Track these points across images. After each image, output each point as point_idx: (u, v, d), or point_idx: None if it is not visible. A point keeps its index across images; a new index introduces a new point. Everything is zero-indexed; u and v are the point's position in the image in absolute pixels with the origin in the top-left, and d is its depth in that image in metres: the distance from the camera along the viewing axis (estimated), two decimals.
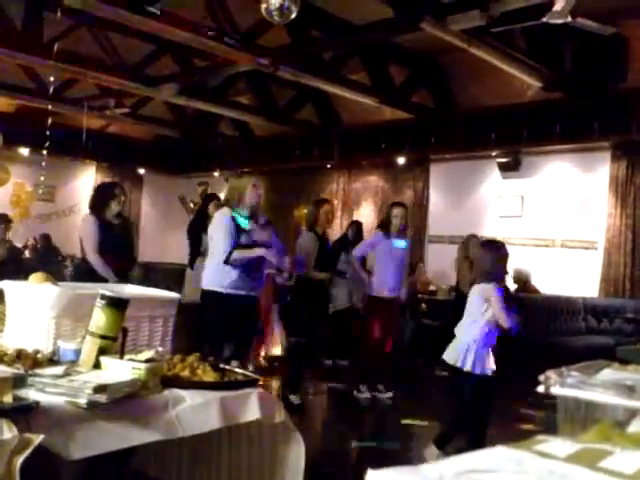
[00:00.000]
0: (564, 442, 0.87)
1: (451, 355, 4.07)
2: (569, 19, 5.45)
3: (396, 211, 6.07)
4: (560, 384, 1.15)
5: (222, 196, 5.77)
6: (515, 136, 8.79)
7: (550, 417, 1.26)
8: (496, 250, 4.17)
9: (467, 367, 3.97)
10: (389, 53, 8.82)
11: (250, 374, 2.45)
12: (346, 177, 11.84)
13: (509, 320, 3.95)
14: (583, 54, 7.69)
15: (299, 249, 5.76)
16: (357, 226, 8.07)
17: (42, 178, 11.44)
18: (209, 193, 7.44)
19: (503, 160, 9.46)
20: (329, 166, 11.78)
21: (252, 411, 2.29)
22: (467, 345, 4.00)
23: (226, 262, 4.41)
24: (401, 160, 10.59)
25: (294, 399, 5.53)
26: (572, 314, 8.09)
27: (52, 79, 9.26)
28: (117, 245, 5.17)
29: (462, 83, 9.42)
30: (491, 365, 4.05)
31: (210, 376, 2.31)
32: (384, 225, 6.12)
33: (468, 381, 4.03)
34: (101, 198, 5.29)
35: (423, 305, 8.89)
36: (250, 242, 4.51)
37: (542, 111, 8.57)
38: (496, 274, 4.08)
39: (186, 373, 2.31)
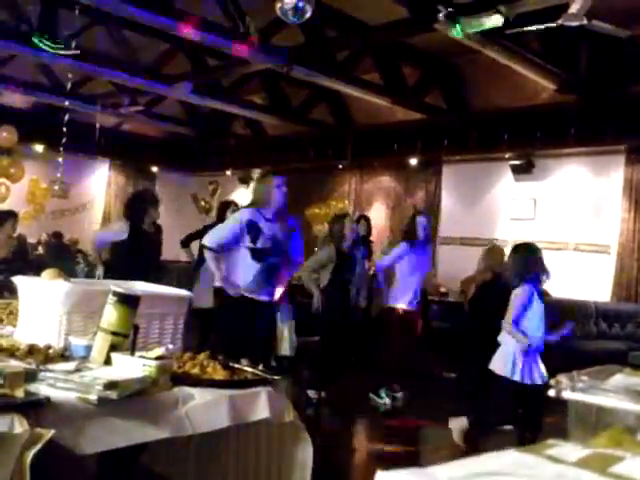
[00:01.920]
0: (574, 447, 0.87)
1: (497, 364, 4.03)
2: (585, 21, 5.41)
3: (420, 219, 6.04)
4: (571, 388, 1.14)
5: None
6: (528, 138, 8.75)
7: (561, 421, 1.26)
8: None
9: (516, 377, 3.94)
10: (402, 54, 8.81)
11: (260, 373, 2.45)
12: (358, 177, 11.82)
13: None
14: (598, 57, 7.64)
15: (317, 261, 5.79)
16: (366, 220, 7.77)
17: (59, 175, 11.55)
18: (225, 200, 7.39)
19: (516, 162, 9.41)
20: (341, 166, 11.77)
21: (261, 410, 2.29)
22: (513, 355, 3.97)
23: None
24: (413, 161, 10.56)
25: (312, 394, 5.59)
26: (584, 318, 8.04)
27: (70, 75, 9.33)
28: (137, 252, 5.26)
29: (475, 84, 9.38)
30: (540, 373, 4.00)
31: (220, 374, 2.32)
32: (409, 234, 6.02)
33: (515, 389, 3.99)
34: (133, 207, 5.51)
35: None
36: (268, 246, 4.36)
37: (556, 114, 8.52)
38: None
39: (196, 371, 2.31)
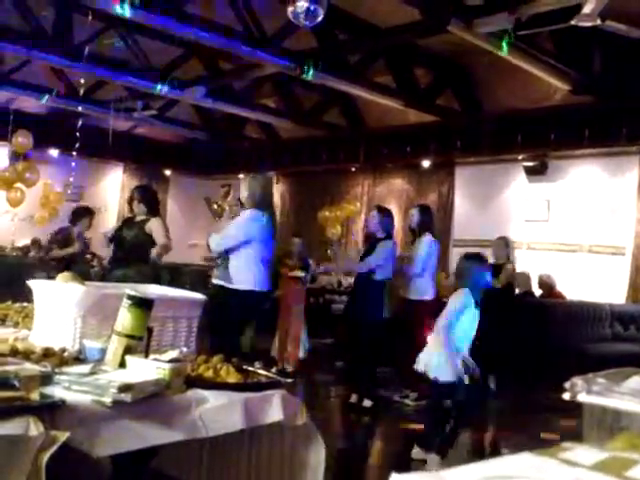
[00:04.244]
0: (590, 450, 0.86)
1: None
2: (598, 22, 5.37)
3: (410, 212, 6.41)
4: (586, 391, 1.13)
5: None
6: (542, 140, 8.71)
7: (576, 425, 1.25)
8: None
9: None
10: (415, 56, 8.80)
11: (273, 376, 2.45)
12: (371, 180, 11.82)
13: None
14: (612, 57, 7.59)
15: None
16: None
17: (72, 179, 11.63)
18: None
19: (530, 164, 9.37)
20: (354, 169, 11.78)
21: (275, 413, 2.29)
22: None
23: None
24: (426, 163, 10.54)
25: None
26: (599, 321, 7.98)
27: (82, 81, 9.39)
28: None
29: (489, 86, 9.35)
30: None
31: (233, 377, 2.32)
32: (431, 229, 6.25)
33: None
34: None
35: None
36: None
37: (570, 114, 8.48)
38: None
39: (210, 374, 2.32)
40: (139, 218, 5.50)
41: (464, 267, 4.18)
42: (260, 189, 4.84)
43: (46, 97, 9.85)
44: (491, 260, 6.83)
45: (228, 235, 4.76)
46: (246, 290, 4.62)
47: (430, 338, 4.12)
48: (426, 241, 6.10)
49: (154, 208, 5.59)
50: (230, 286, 4.65)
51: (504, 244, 6.98)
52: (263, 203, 4.81)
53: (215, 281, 4.79)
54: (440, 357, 3.95)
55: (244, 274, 4.63)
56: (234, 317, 4.64)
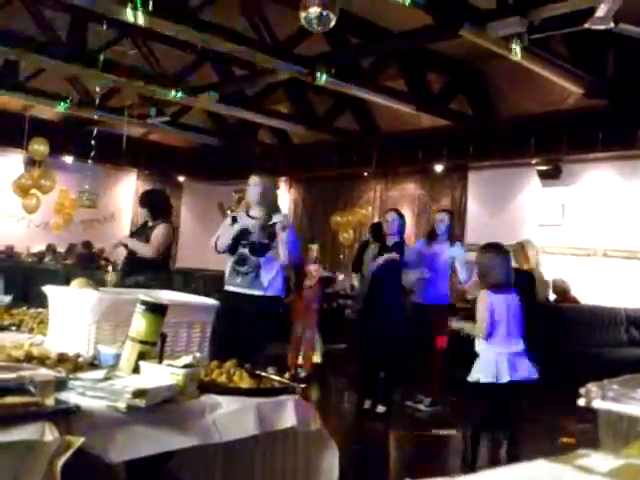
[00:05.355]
0: (605, 457, 0.85)
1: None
2: (612, 25, 5.34)
3: (438, 216, 6.38)
4: (601, 397, 1.13)
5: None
6: (556, 144, 8.67)
7: (591, 431, 1.24)
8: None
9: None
10: (427, 60, 8.79)
11: (287, 381, 2.45)
12: (383, 185, 11.82)
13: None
14: (626, 60, 7.55)
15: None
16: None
17: (87, 186, 11.73)
18: None
19: (543, 168, 9.33)
20: (366, 174, 11.77)
21: (288, 418, 2.29)
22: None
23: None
24: (439, 168, 10.52)
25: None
26: (614, 325, 7.92)
27: (98, 89, 9.46)
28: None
29: (501, 90, 9.33)
30: None
31: (247, 382, 2.32)
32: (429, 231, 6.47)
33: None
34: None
35: None
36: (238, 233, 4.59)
37: (584, 118, 8.43)
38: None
39: (223, 379, 2.32)
40: (150, 224, 5.23)
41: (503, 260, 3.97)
42: (272, 188, 4.84)
43: (62, 105, 9.91)
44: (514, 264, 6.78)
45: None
46: (274, 296, 4.48)
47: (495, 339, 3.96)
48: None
49: (157, 212, 5.25)
50: (259, 293, 4.42)
51: (520, 248, 6.95)
52: (277, 203, 4.80)
53: (235, 289, 4.49)
54: (521, 357, 3.91)
55: (274, 280, 4.47)
56: (261, 325, 4.40)
